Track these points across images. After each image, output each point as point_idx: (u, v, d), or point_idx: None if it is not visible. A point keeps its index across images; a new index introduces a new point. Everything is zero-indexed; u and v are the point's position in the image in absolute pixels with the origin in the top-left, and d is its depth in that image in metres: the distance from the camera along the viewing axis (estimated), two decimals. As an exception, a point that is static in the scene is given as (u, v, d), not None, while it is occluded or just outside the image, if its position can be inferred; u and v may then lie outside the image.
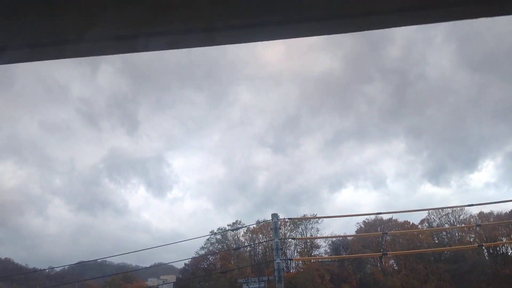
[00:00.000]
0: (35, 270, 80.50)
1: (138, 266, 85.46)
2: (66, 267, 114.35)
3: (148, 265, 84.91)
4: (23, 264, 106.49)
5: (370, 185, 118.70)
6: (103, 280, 79.07)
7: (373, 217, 75.28)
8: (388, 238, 73.33)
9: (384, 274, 69.90)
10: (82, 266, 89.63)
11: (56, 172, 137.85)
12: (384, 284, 66.83)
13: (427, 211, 77.05)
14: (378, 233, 68.74)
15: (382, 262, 73.17)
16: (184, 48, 1.54)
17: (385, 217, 75.98)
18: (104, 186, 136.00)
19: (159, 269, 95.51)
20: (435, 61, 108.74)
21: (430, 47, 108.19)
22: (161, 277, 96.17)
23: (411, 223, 75.91)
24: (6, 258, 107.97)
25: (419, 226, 76.25)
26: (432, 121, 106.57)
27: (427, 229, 73.65)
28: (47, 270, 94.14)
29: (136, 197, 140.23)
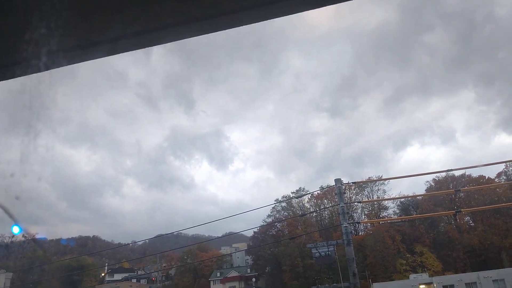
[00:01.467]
0: (120, 245, 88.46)
1: (211, 236, 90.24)
2: (146, 240, 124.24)
3: (220, 235, 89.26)
4: (109, 240, 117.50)
5: (438, 141, 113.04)
6: (181, 251, 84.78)
7: (443, 174, 71.72)
8: (461, 194, 69.86)
9: (459, 232, 67.17)
10: (160, 239, 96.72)
11: (126, 154, 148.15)
12: (460, 242, 64.32)
13: (504, 164, 71.74)
14: (450, 191, 65.70)
15: (456, 220, 70.24)
16: (196, 36, 1.57)
17: (457, 173, 72.05)
18: (170, 164, 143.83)
19: (230, 238, 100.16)
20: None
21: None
22: (233, 245, 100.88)
23: (486, 177, 71.38)
24: (94, 236, 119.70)
25: (496, 180, 71.47)
26: (505, 65, 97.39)
27: (505, 182, 68.78)
28: (130, 244, 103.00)
29: (200, 171, 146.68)
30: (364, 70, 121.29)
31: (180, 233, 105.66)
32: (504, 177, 71.57)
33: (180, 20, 1.46)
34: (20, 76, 1.66)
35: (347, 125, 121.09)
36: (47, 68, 1.59)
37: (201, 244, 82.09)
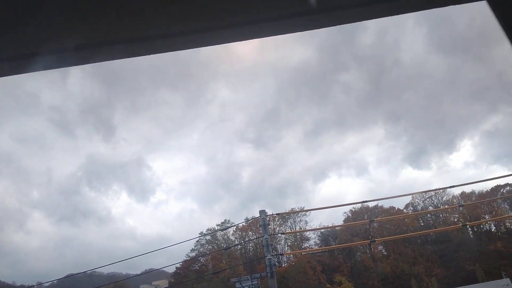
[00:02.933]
0: (23, 287, 78.71)
1: (129, 274, 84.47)
2: (55, 281, 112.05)
3: (138, 272, 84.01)
4: (10, 282, 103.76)
5: (353, 173, 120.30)
6: (94, 292, 77.93)
7: (359, 205, 76.48)
8: (375, 225, 74.60)
9: (374, 260, 71.08)
10: (71, 279, 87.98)
11: (33, 184, 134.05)
12: (374, 270, 67.98)
13: (411, 196, 78.76)
14: (365, 221, 69.78)
15: (371, 249, 74.40)
16: (146, 55, 1.51)
17: (371, 204, 77.36)
18: (84, 195, 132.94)
19: (150, 275, 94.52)
20: (408, 45, 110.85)
21: (402, 32, 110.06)
22: (153, 283, 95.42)
23: (396, 208, 77.44)
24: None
25: (404, 210, 77.84)
26: (409, 105, 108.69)
27: (412, 213, 75.26)
28: (35, 286, 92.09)
29: (118, 203, 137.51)
30: (286, 104, 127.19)
31: (94, 271, 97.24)
32: (411, 208, 78.24)
33: (105, 40, 1.39)
34: None
35: (271, 156, 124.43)
36: None
37: (117, 283, 76.34)
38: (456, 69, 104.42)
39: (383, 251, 75.90)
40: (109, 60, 1.50)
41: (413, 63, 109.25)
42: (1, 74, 1.51)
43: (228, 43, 1.50)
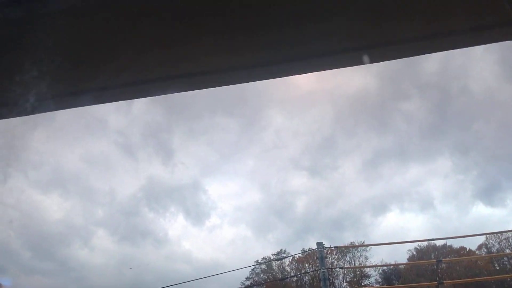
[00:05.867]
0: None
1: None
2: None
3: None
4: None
5: (417, 208, 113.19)
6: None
7: (425, 243, 71.81)
8: (443, 265, 69.37)
9: (441, 305, 65.61)
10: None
11: (98, 203, 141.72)
12: (442, 316, 62.60)
13: (484, 236, 72.37)
14: (432, 261, 65.19)
15: (438, 292, 68.93)
16: (184, 91, 1.58)
17: (438, 243, 72.11)
18: (143, 216, 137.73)
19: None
20: (477, 73, 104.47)
21: (469, 59, 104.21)
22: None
23: (467, 249, 71.48)
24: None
25: (477, 252, 71.63)
26: (479, 137, 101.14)
27: (487, 255, 68.98)
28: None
29: (175, 225, 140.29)
30: (343, 132, 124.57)
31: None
32: (485, 250, 71.81)
33: (169, 74, 1.48)
34: (6, 117, 1.63)
35: (327, 186, 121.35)
36: (35, 112, 1.57)
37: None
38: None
39: (453, 295, 69.97)
40: (168, 93, 1.60)
41: (483, 91, 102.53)
42: (80, 104, 1.66)
43: (284, 76, 1.54)
